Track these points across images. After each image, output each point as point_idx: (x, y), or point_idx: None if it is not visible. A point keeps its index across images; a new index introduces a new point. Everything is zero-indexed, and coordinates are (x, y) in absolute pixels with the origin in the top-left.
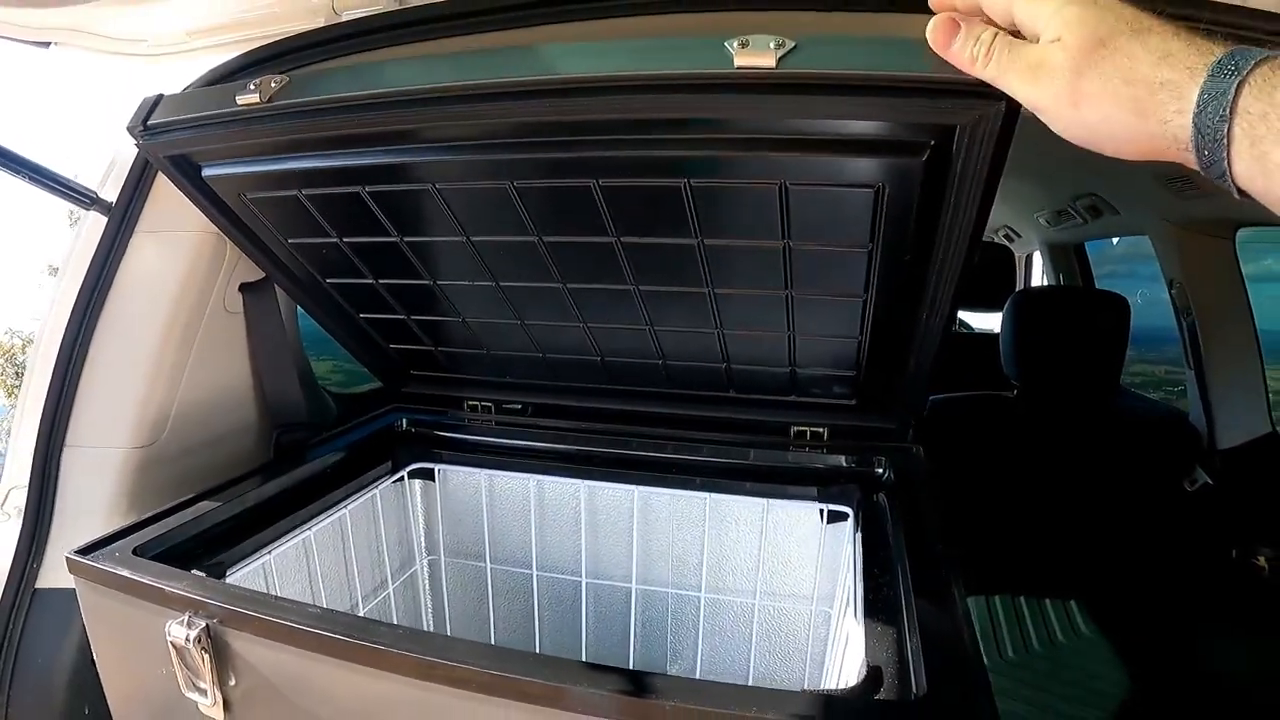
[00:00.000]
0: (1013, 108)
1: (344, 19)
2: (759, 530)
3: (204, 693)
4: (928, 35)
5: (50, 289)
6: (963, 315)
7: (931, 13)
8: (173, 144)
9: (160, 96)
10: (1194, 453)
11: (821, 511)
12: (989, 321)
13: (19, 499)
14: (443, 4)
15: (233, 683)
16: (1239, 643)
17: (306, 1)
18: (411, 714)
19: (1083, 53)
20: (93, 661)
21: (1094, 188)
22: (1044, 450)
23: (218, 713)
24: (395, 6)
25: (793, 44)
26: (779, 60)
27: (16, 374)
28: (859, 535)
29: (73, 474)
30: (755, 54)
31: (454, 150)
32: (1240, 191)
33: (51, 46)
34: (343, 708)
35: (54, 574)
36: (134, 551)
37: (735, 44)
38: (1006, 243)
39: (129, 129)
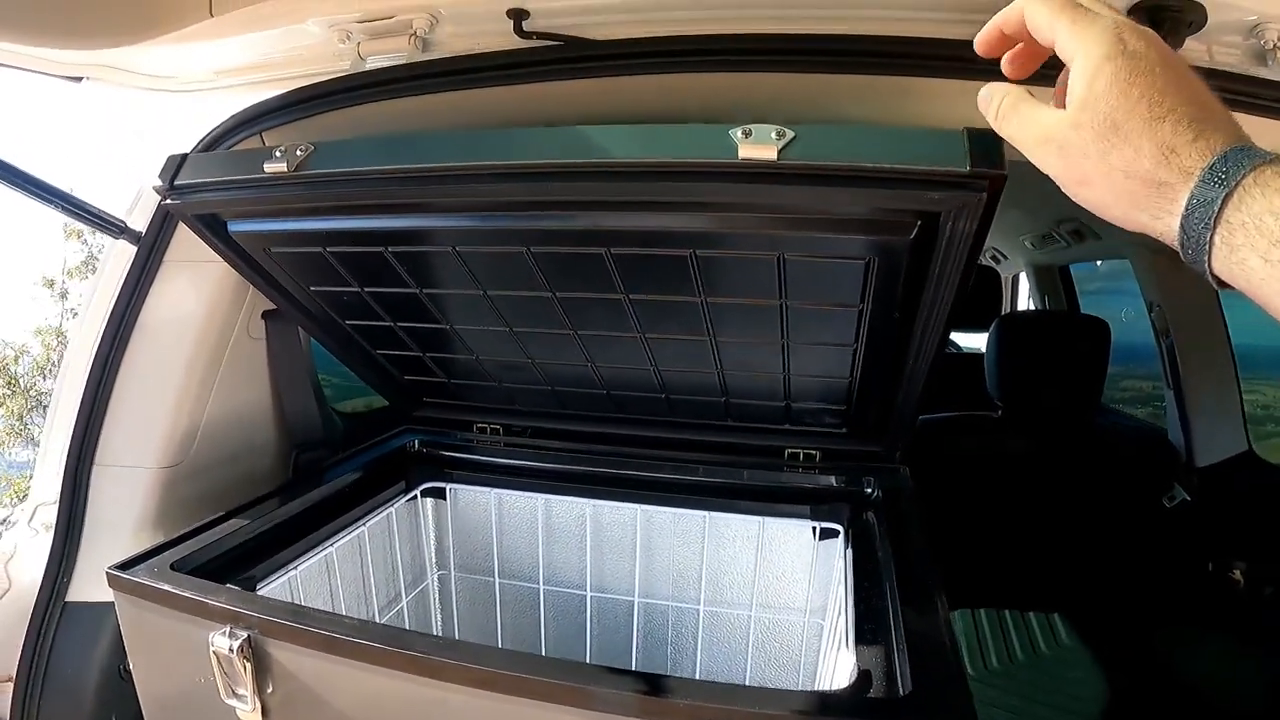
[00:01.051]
0: (994, 194)
1: (368, 67)
2: (755, 547)
3: (244, 699)
4: (976, 40)
5: (45, 301)
6: (950, 335)
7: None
8: (199, 204)
9: (186, 156)
10: (1173, 470)
11: (814, 529)
12: (976, 341)
13: (46, 515)
14: (461, 58)
15: (270, 689)
16: (1216, 653)
17: (332, 46)
18: (442, 716)
19: (1095, 138)
20: (119, 672)
21: (1077, 213)
22: (1028, 468)
23: (255, 718)
24: (418, 54)
25: (792, 134)
26: (780, 151)
27: (8, 384)
28: (849, 551)
29: (101, 491)
30: (758, 146)
31: (474, 218)
32: (1220, 283)
33: (83, 81)
34: (376, 711)
35: (83, 588)
36: (171, 566)
37: (739, 133)
38: (993, 264)
39: (155, 188)
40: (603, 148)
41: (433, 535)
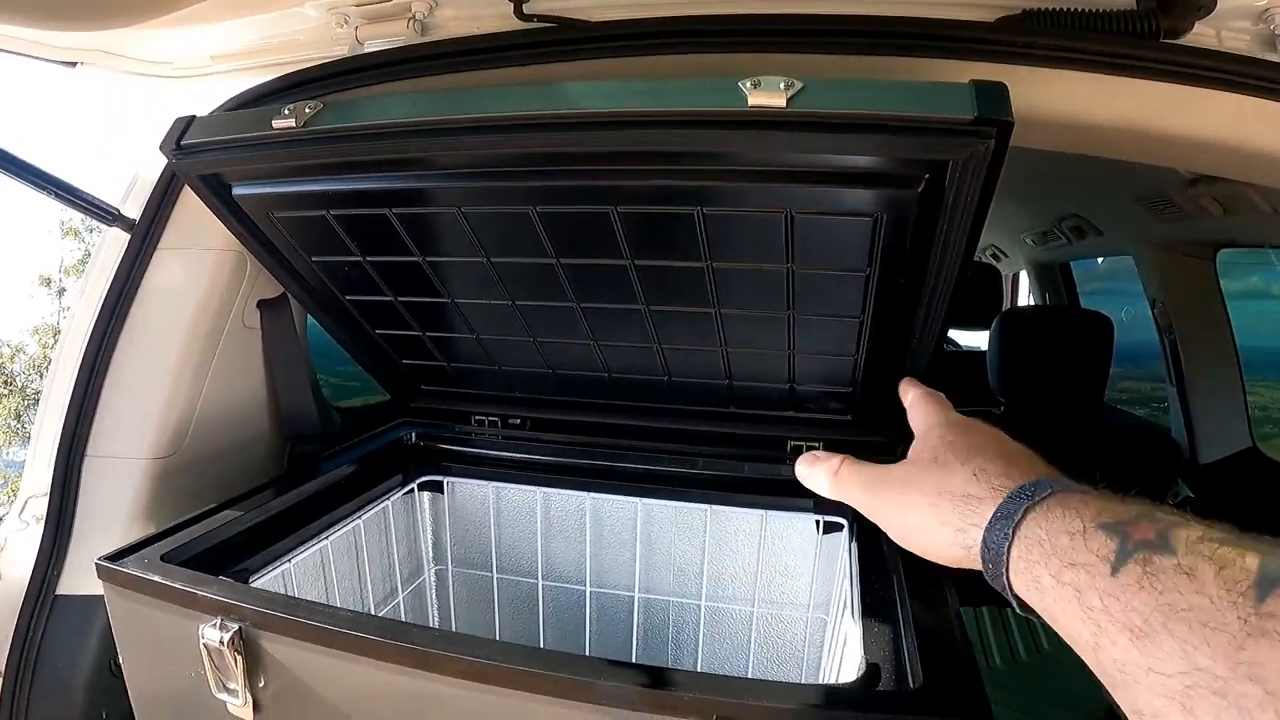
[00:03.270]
0: (1002, 143)
1: (366, 50)
2: (757, 540)
3: (234, 693)
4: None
5: (42, 299)
6: (950, 333)
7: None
8: (205, 164)
9: (193, 117)
10: (1176, 467)
11: (817, 523)
12: (976, 339)
13: (36, 507)
14: (461, 40)
15: (262, 684)
16: None
17: (330, 31)
18: (438, 710)
19: (920, 470)
20: (110, 666)
21: (1078, 209)
22: None
23: (247, 713)
24: (416, 38)
25: (800, 85)
26: (789, 100)
27: (4, 383)
28: (854, 544)
29: (93, 483)
30: (767, 94)
31: (480, 176)
32: (1021, 604)
33: (78, 66)
34: (370, 706)
35: (74, 580)
36: (162, 558)
37: (748, 84)
38: (994, 261)
39: (161, 148)
40: (611, 100)
41: (430, 529)
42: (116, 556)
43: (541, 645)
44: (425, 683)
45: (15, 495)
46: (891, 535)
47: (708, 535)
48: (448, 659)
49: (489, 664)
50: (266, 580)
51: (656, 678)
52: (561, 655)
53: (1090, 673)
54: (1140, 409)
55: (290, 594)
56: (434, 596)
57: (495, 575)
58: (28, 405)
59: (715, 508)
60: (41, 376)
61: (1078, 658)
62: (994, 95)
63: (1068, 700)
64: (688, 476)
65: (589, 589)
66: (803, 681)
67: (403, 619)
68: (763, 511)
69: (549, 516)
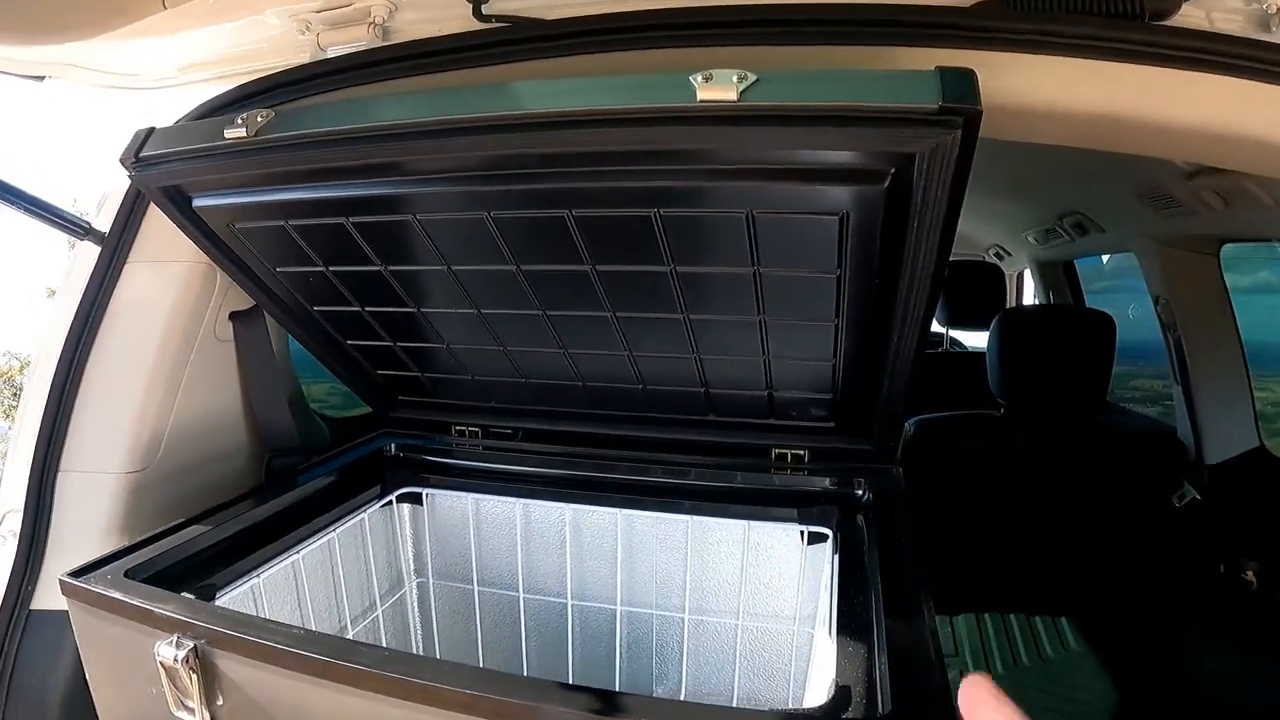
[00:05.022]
0: (970, 134)
1: (329, 55)
2: (741, 552)
3: (192, 712)
4: None
5: (47, 313)
6: (955, 334)
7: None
8: (164, 175)
9: (152, 129)
10: (1182, 468)
11: (802, 533)
12: (982, 340)
13: (14, 523)
14: (422, 41)
15: (220, 702)
16: (1228, 657)
17: (292, 38)
18: None
19: None
20: (86, 682)
21: (1080, 206)
22: (1031, 468)
23: None
24: (378, 42)
25: (754, 78)
26: (741, 93)
27: (14, 396)
28: (837, 556)
29: (67, 497)
30: (718, 88)
31: (433, 182)
32: None
33: (45, 80)
34: None
35: (48, 596)
36: (125, 574)
37: (699, 78)
38: (996, 261)
39: (121, 160)
40: (558, 98)
41: (410, 542)
42: (82, 572)
43: (524, 660)
44: (378, 705)
45: None
46: None
47: (690, 546)
48: (396, 682)
49: (439, 687)
50: (234, 596)
51: (606, 702)
52: (519, 680)
53: (1094, 678)
54: (1152, 407)
55: (260, 610)
56: (415, 610)
57: (476, 588)
58: None
59: (697, 518)
60: None
61: (1081, 663)
62: (961, 82)
63: (1073, 708)
64: (669, 486)
65: (570, 602)
66: (790, 697)
67: (382, 633)
68: (746, 522)
69: (529, 528)
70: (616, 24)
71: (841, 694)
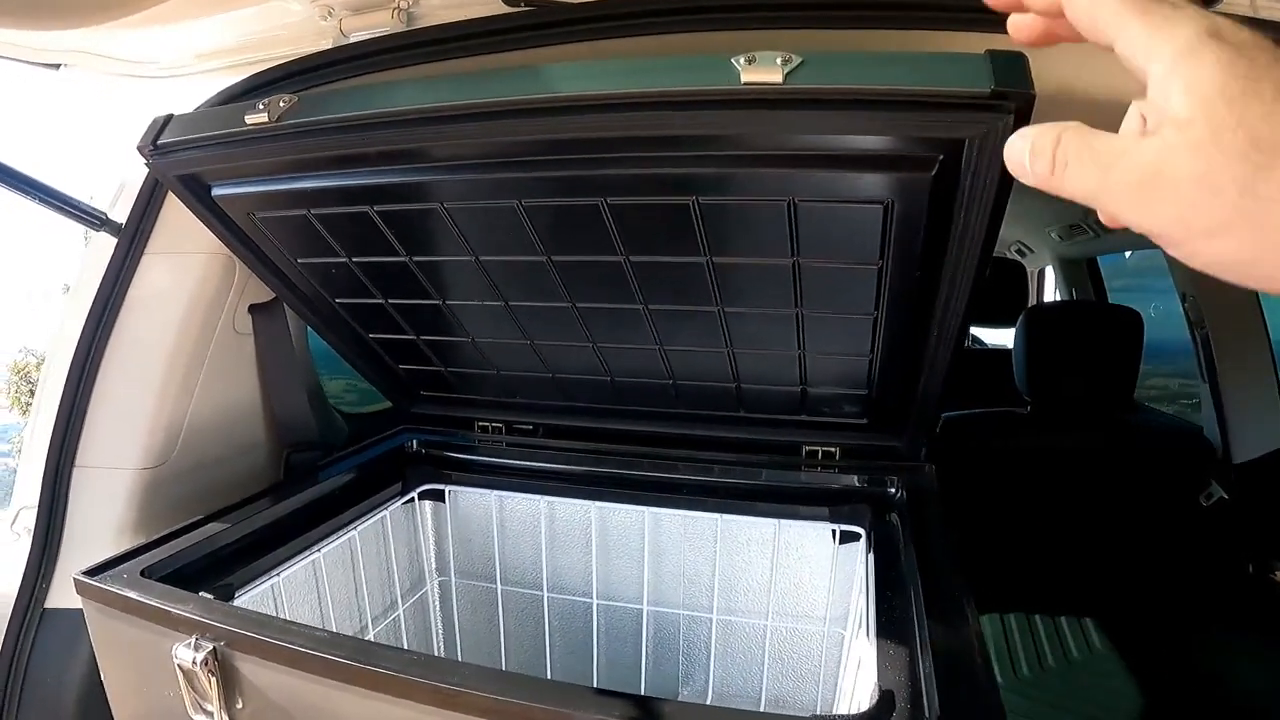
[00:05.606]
0: (1021, 120)
1: (351, 41)
2: (771, 551)
3: (210, 715)
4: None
5: (62, 308)
6: (975, 331)
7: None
8: (182, 163)
9: (170, 116)
10: (1209, 467)
11: (834, 532)
12: (1002, 337)
13: (28, 519)
14: (448, 25)
15: (240, 705)
16: (1256, 657)
17: (314, 24)
18: None
19: (1229, 160)
20: (101, 681)
21: None
22: (1056, 466)
23: None
24: (401, 28)
25: (799, 60)
26: (786, 76)
27: (31, 391)
28: (871, 556)
29: (82, 494)
30: (762, 70)
31: (462, 169)
32: None
33: (61, 68)
34: None
35: (62, 594)
36: (142, 573)
37: (742, 60)
38: (1018, 258)
39: (139, 148)
40: (594, 81)
41: (431, 539)
42: (97, 570)
43: (548, 660)
44: (400, 709)
45: None
46: (1208, 269)
47: (719, 546)
48: (420, 685)
49: (463, 691)
50: (253, 595)
51: (636, 708)
52: (542, 683)
53: (1120, 679)
54: (1169, 406)
55: (280, 610)
56: (437, 608)
57: (500, 587)
58: None
59: (726, 517)
60: None
61: (1106, 665)
62: (1013, 66)
63: (1097, 712)
64: (698, 484)
65: (595, 601)
66: (820, 700)
67: (403, 632)
68: (776, 521)
69: (554, 527)
70: (649, 7)
71: (885, 699)
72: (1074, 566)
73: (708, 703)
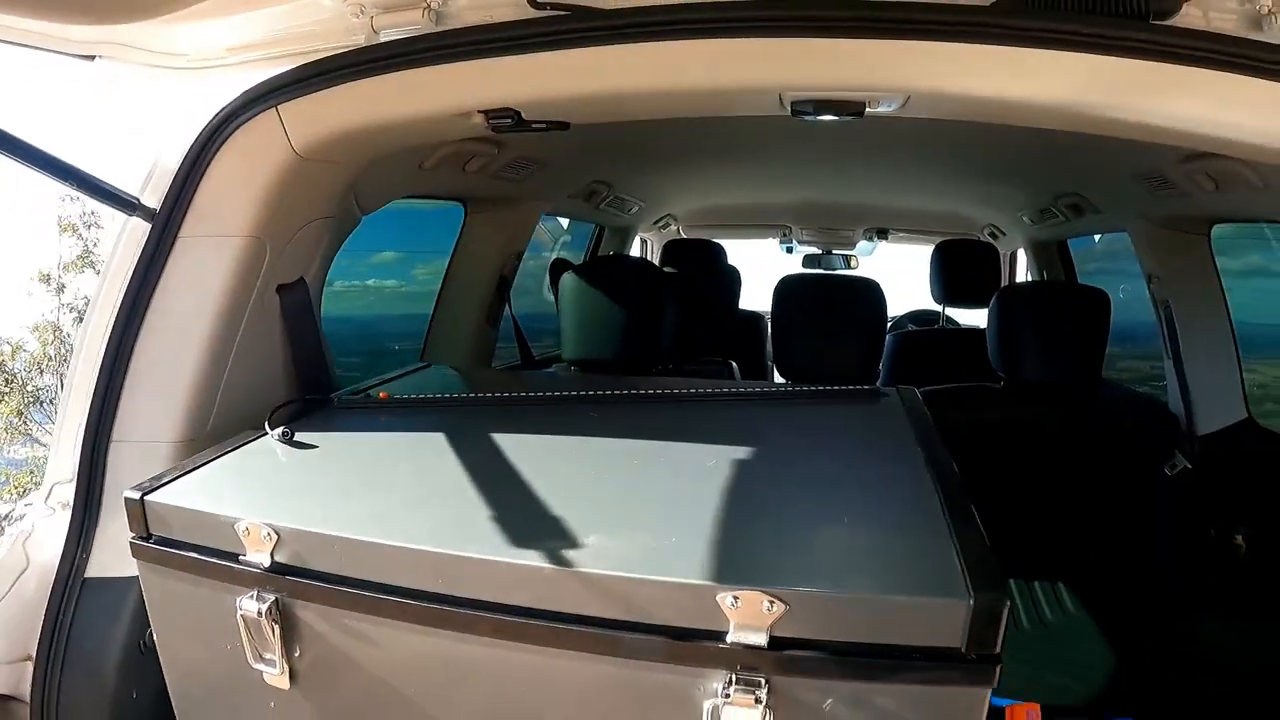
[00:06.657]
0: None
1: (382, 39)
2: None
3: (271, 663)
4: None
5: (41, 296)
6: (950, 311)
7: None
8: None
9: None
10: (1173, 439)
11: None
12: (975, 318)
13: (62, 493)
14: (477, 28)
15: (298, 653)
16: (1218, 617)
17: (344, 21)
18: (474, 672)
19: None
20: (140, 647)
21: (1076, 187)
22: (1029, 438)
23: (283, 682)
24: (432, 28)
25: (783, 608)
26: (772, 624)
27: (5, 381)
28: None
29: (119, 467)
30: (749, 619)
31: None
32: None
33: (96, 60)
34: (404, 670)
35: (102, 563)
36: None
37: (730, 599)
38: (991, 240)
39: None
40: (564, 597)
41: None
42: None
43: None
44: (461, 645)
45: (16, 493)
46: None
47: None
48: (481, 620)
49: (538, 625)
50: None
51: None
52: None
53: (1093, 639)
54: (1140, 387)
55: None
56: None
57: None
58: (29, 403)
59: None
60: (43, 373)
61: (1080, 626)
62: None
63: (1075, 671)
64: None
65: None
66: None
67: None
68: None
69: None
70: (675, 15)
71: None
72: (1046, 533)
73: None
